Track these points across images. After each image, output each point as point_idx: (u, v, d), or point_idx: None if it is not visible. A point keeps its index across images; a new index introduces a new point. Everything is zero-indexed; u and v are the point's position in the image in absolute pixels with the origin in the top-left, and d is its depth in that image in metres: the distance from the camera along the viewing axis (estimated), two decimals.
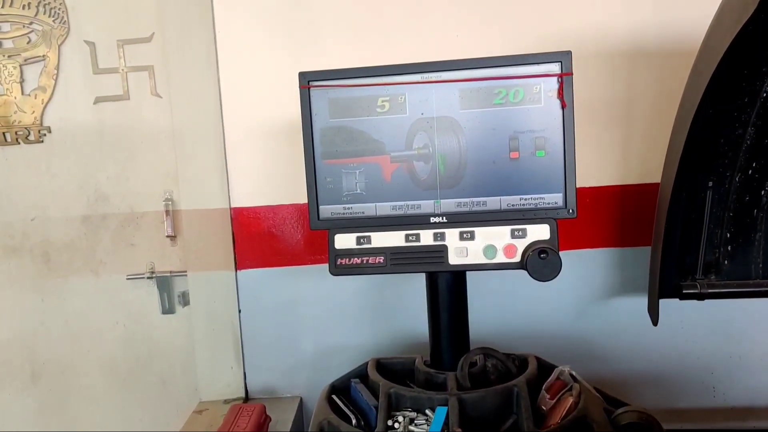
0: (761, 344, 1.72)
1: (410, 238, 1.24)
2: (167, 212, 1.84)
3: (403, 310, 1.74)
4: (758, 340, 1.72)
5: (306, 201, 1.28)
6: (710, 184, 1.40)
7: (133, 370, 1.93)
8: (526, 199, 1.21)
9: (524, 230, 1.21)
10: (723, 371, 1.74)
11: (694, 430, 1.67)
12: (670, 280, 1.46)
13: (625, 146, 1.67)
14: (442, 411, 1.18)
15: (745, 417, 1.74)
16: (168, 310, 1.89)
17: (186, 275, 1.81)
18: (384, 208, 1.25)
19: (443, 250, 1.23)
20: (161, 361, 1.92)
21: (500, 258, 1.22)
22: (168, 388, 1.93)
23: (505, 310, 1.73)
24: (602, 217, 1.69)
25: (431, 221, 1.24)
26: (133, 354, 1.92)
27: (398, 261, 1.24)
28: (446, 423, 1.17)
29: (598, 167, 1.68)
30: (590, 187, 1.68)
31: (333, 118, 1.25)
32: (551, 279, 1.16)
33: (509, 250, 1.21)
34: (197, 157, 1.73)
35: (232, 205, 1.74)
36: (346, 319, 1.76)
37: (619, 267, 1.71)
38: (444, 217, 1.24)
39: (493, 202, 1.22)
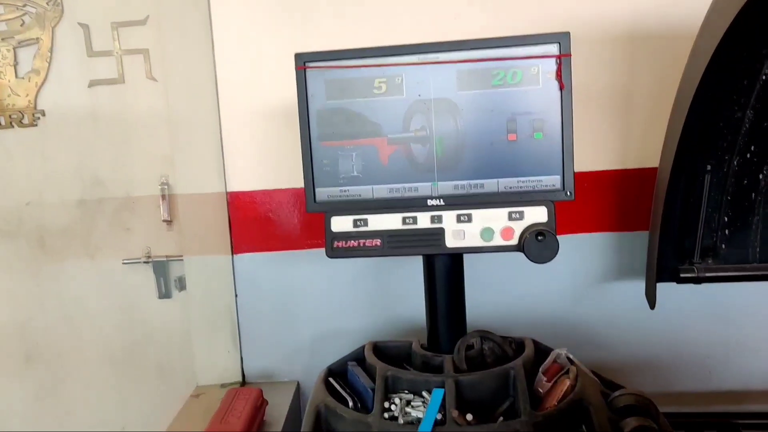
0: (757, 328, 1.72)
1: (407, 220, 1.24)
2: (163, 196, 1.83)
3: (401, 295, 1.74)
4: (754, 325, 1.72)
5: (303, 185, 1.27)
6: (708, 167, 1.39)
7: (129, 355, 1.93)
8: (523, 182, 1.21)
9: (522, 212, 1.21)
10: (719, 355, 1.74)
11: (689, 413, 1.68)
12: (668, 264, 1.46)
13: (624, 130, 1.67)
14: (438, 393, 1.19)
15: (740, 401, 1.75)
16: (164, 294, 1.89)
17: (182, 260, 1.80)
18: (381, 191, 1.25)
19: (440, 232, 1.23)
20: (157, 345, 1.92)
21: (497, 241, 1.21)
22: (164, 372, 1.93)
23: (503, 294, 1.73)
24: (601, 201, 1.68)
25: (428, 204, 1.23)
26: (129, 338, 1.92)
27: (395, 244, 1.24)
28: (443, 405, 1.17)
29: (598, 151, 1.67)
30: (589, 172, 1.67)
31: (329, 100, 1.24)
32: (548, 261, 1.16)
33: (506, 232, 1.21)
34: (193, 140, 1.71)
35: (228, 189, 1.73)
36: (343, 304, 1.76)
37: (617, 251, 1.71)
38: (441, 200, 1.23)
39: (491, 185, 1.22)
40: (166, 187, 1.83)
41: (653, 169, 1.50)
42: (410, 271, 1.69)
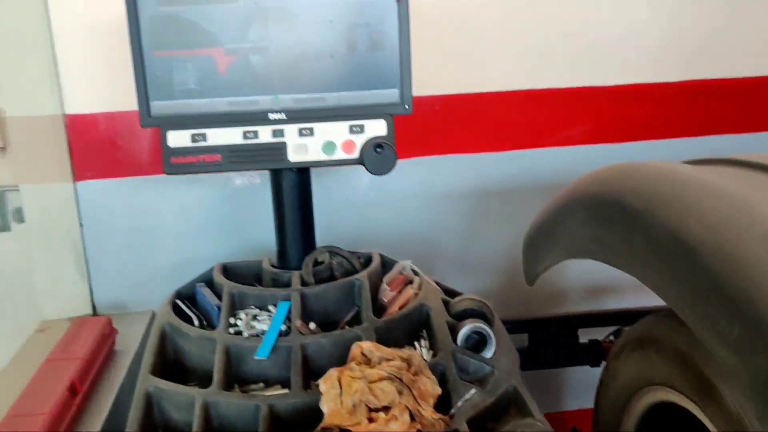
0: None
1: (248, 135, 1.21)
2: None
3: (256, 222, 1.72)
4: None
5: None
6: None
7: None
8: (363, 95, 1.22)
9: (362, 126, 1.22)
10: None
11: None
12: None
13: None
14: (284, 305, 1.20)
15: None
16: (1, 227, 1.75)
17: (18, 190, 1.67)
18: (220, 104, 1.21)
19: (282, 147, 1.22)
20: None
21: (339, 154, 1.22)
22: (6, 310, 1.81)
23: (353, 212, 1.75)
24: (452, 123, 1.74)
25: (270, 118, 1.21)
26: None
27: (236, 159, 1.21)
28: (288, 317, 1.19)
29: (449, 75, 1.71)
30: (440, 96, 1.71)
31: (162, 6, 1.16)
32: (386, 173, 1.18)
33: (348, 145, 1.22)
34: (22, 57, 1.56)
35: (66, 112, 1.61)
36: (198, 230, 1.72)
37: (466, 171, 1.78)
38: (283, 114, 1.21)
39: (332, 98, 1.21)
40: None
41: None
42: (266, 198, 1.67)
